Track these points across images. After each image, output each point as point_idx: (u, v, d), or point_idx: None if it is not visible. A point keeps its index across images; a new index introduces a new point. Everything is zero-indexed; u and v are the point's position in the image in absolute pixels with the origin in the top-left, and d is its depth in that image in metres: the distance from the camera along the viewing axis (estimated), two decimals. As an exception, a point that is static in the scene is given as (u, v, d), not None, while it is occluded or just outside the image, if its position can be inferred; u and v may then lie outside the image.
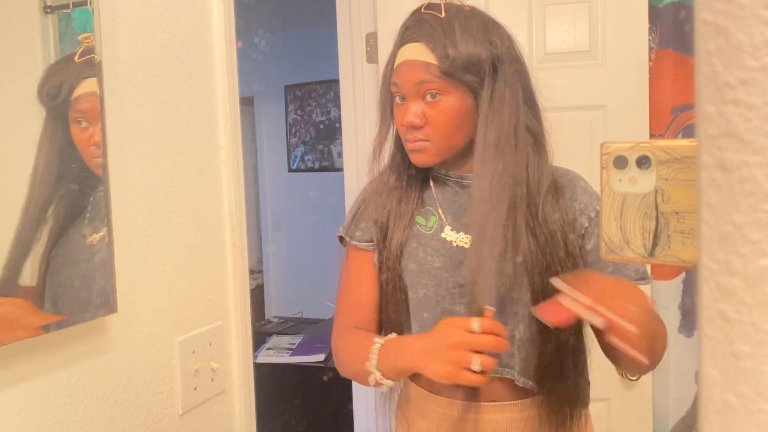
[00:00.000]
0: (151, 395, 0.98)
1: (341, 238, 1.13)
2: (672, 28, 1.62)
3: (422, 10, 0.99)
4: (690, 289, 1.65)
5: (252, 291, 2.34)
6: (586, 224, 1.00)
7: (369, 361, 0.93)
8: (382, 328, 1.08)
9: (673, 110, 1.63)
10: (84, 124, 0.83)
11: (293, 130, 4.41)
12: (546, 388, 0.99)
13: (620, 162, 0.46)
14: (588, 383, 1.05)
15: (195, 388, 1.06)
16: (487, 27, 0.98)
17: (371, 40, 1.85)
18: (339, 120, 3.39)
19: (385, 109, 1.04)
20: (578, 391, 1.02)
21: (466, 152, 1.01)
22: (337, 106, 3.96)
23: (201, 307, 1.09)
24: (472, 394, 1.01)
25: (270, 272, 4.58)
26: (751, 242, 0.26)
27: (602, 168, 0.47)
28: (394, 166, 1.07)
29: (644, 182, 0.45)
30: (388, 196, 1.06)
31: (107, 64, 0.88)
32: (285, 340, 2.80)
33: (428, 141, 0.98)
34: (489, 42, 0.96)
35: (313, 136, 4.36)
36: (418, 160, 1.00)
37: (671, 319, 1.66)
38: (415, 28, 0.98)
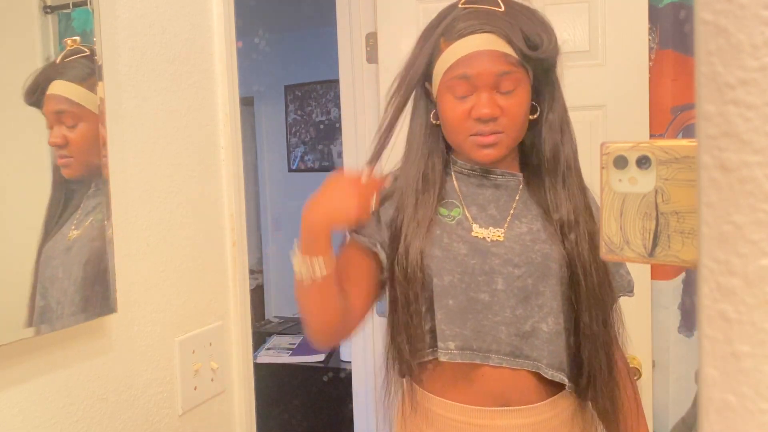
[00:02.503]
0: (151, 395, 0.98)
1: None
2: (672, 28, 1.62)
3: (465, 5, 0.97)
4: (690, 289, 1.65)
5: (252, 291, 2.33)
6: None
7: (294, 256, 0.95)
8: (400, 323, 1.05)
9: (673, 110, 1.63)
10: (50, 126, 0.81)
11: (293, 130, 4.41)
12: (574, 382, 0.99)
13: (620, 162, 0.46)
14: (617, 384, 1.03)
15: (195, 388, 1.06)
16: (545, 21, 0.98)
17: (371, 40, 1.85)
18: (339, 120, 3.39)
19: (420, 106, 1.04)
20: (611, 387, 1.01)
21: None
22: (337, 106, 3.95)
23: (201, 307, 1.09)
24: (487, 398, 0.99)
25: (270, 272, 4.57)
26: (751, 242, 0.26)
27: (602, 168, 0.47)
28: (416, 160, 1.04)
29: (644, 182, 0.45)
30: (406, 191, 1.04)
31: (107, 64, 0.88)
32: (285, 340, 2.80)
33: (503, 133, 0.96)
34: (552, 34, 0.96)
35: (313, 136, 4.36)
36: (490, 155, 0.98)
37: (671, 319, 1.66)
38: (474, 20, 0.95)
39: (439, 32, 0.98)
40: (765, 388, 0.26)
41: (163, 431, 1.00)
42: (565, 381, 0.98)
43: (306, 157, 4.39)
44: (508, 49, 0.94)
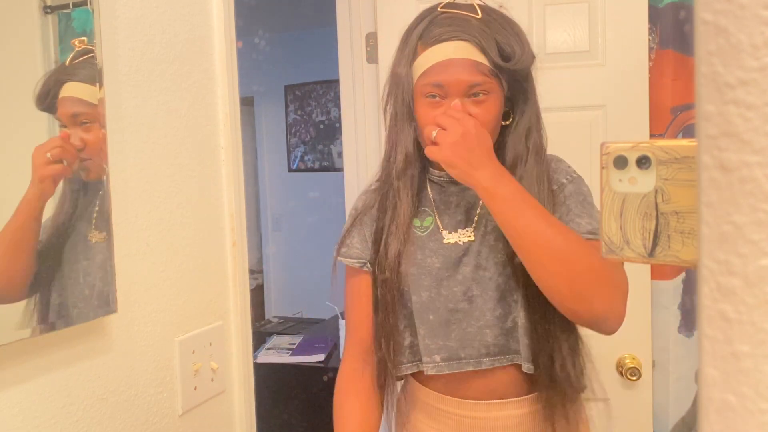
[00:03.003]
0: (151, 395, 0.98)
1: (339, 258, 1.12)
2: (672, 28, 1.62)
3: (443, 9, 0.98)
4: (690, 289, 1.65)
5: (252, 291, 2.33)
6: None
7: None
8: (382, 339, 1.05)
9: (673, 110, 1.63)
10: (88, 123, 0.83)
11: (293, 130, 4.41)
12: (548, 373, 0.99)
13: (620, 162, 0.46)
14: (582, 371, 1.04)
15: (195, 388, 1.06)
16: (520, 31, 0.99)
17: (371, 40, 1.85)
18: (339, 120, 3.39)
19: (406, 111, 1.01)
20: (577, 375, 1.02)
21: None
22: (337, 106, 3.96)
23: (201, 307, 1.09)
24: (483, 393, 1.02)
25: (270, 272, 4.57)
26: (751, 242, 0.26)
27: (602, 168, 0.47)
28: (395, 170, 1.03)
29: (644, 182, 0.45)
30: (383, 204, 1.05)
31: (107, 64, 0.88)
32: (285, 340, 2.80)
33: None
34: (526, 44, 0.97)
35: (313, 136, 4.36)
36: None
37: (671, 319, 1.66)
38: (450, 26, 0.95)
39: (416, 35, 0.99)
40: (765, 388, 0.26)
41: (163, 431, 1.00)
42: (531, 369, 0.99)
43: (306, 157, 4.39)
44: (481, 58, 0.94)
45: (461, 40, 0.94)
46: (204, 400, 1.09)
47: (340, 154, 4.19)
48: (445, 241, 1.02)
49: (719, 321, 0.27)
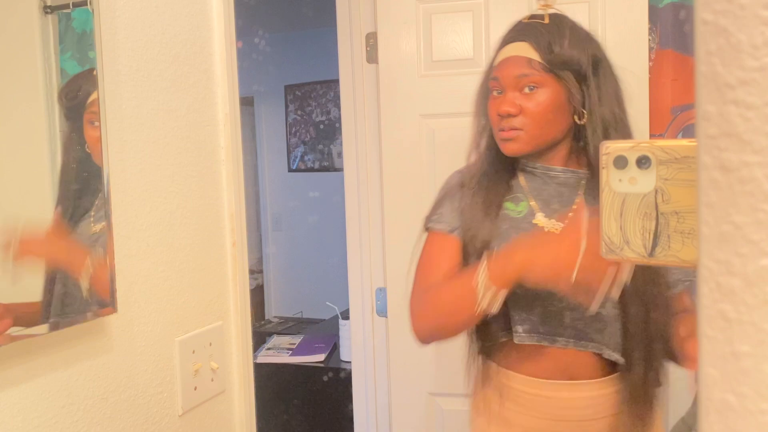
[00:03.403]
0: (151, 395, 0.98)
1: (427, 228, 1.20)
2: (672, 28, 1.62)
3: (524, 20, 1.11)
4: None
5: (252, 291, 2.34)
6: None
7: (478, 280, 0.97)
8: None
9: (673, 110, 1.63)
10: (96, 123, 0.85)
11: (293, 130, 4.41)
12: (630, 363, 1.06)
13: (620, 162, 0.46)
14: (662, 365, 1.11)
15: (195, 388, 1.06)
16: (589, 36, 1.08)
17: (371, 40, 1.85)
18: (339, 120, 3.39)
19: (481, 105, 1.14)
20: (658, 369, 1.09)
21: (553, 146, 1.10)
22: (337, 106, 3.96)
23: (201, 307, 1.09)
24: (554, 372, 1.09)
25: (270, 272, 4.57)
26: (751, 242, 0.26)
27: (602, 168, 0.47)
28: (485, 158, 1.15)
29: (644, 182, 0.45)
30: (476, 186, 1.13)
31: (107, 64, 0.88)
32: (285, 340, 2.80)
33: (521, 130, 1.06)
34: (590, 48, 1.06)
35: (313, 136, 4.36)
36: (510, 148, 1.09)
37: (671, 319, 1.65)
38: (518, 31, 1.09)
39: (500, 41, 1.13)
40: (765, 388, 0.26)
41: (163, 431, 1.00)
42: (621, 360, 1.06)
43: (306, 157, 4.39)
44: (534, 55, 1.05)
45: (520, 41, 1.07)
46: (204, 400, 1.09)
47: (340, 154, 4.19)
48: (534, 220, 1.09)
49: (719, 321, 0.27)
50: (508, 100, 1.06)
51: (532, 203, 1.11)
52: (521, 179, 1.14)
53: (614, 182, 0.47)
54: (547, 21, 1.07)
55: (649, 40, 1.59)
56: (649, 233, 0.45)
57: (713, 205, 0.27)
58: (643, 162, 0.45)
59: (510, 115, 1.06)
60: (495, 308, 0.98)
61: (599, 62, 1.07)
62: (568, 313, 1.07)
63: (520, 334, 1.08)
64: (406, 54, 1.75)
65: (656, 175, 0.45)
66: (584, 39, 1.07)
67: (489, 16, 1.70)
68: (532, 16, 1.10)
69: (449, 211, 1.14)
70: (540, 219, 1.09)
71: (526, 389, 1.11)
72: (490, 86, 1.11)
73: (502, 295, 0.97)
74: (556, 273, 0.90)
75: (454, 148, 1.75)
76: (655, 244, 0.45)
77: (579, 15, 1.60)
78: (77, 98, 0.83)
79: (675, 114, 1.63)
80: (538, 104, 1.05)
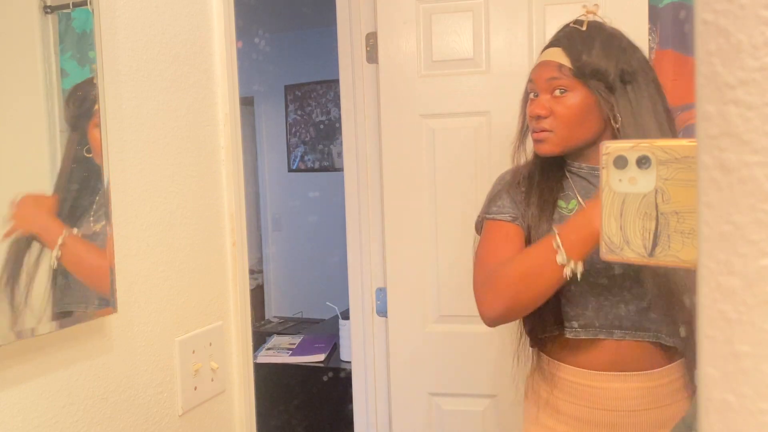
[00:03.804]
0: (151, 395, 0.98)
1: (480, 224, 1.23)
2: (672, 28, 1.62)
3: (570, 25, 1.16)
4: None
5: (252, 291, 2.33)
6: None
7: (558, 254, 0.98)
8: None
9: (672, 110, 1.63)
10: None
11: (293, 130, 4.41)
12: (686, 351, 1.11)
13: (620, 162, 0.46)
14: None
15: (195, 388, 1.06)
16: (624, 47, 1.11)
17: (371, 40, 1.85)
18: (339, 120, 3.39)
19: (524, 106, 1.19)
20: None
21: (594, 147, 1.13)
22: (337, 106, 3.96)
23: (201, 307, 1.09)
24: (606, 364, 1.12)
25: (270, 272, 4.57)
26: (751, 242, 0.26)
27: (602, 168, 0.47)
28: (535, 158, 1.20)
29: (644, 182, 0.45)
30: (529, 184, 1.18)
31: (107, 64, 0.88)
32: (285, 340, 2.80)
33: (551, 131, 1.11)
34: (622, 59, 1.09)
35: (313, 136, 4.36)
36: (541, 149, 1.13)
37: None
38: (557, 36, 1.15)
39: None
40: (765, 388, 0.26)
41: (163, 431, 1.00)
42: (680, 346, 1.10)
43: (306, 157, 4.39)
44: (564, 60, 1.10)
45: (555, 46, 1.13)
46: (204, 400, 1.09)
47: (340, 154, 4.19)
48: None
49: (719, 321, 0.27)
50: (539, 102, 1.12)
51: (582, 202, 1.15)
52: (569, 179, 1.18)
53: (614, 182, 0.46)
54: (584, 28, 1.12)
55: (649, 40, 1.59)
56: (649, 233, 0.45)
57: (713, 205, 0.27)
58: (643, 162, 0.45)
59: (540, 117, 1.11)
60: (577, 277, 1.00)
61: (633, 74, 1.09)
62: (623, 306, 1.10)
63: (576, 329, 1.12)
64: (406, 54, 1.75)
65: (656, 175, 0.45)
66: (617, 50, 1.10)
67: (489, 16, 1.70)
68: (575, 21, 1.15)
69: (509, 203, 1.18)
70: None
71: (578, 380, 1.14)
72: (528, 88, 1.17)
73: (580, 267, 0.99)
74: None
75: (454, 148, 1.75)
76: (655, 244, 0.45)
77: (579, 15, 1.60)
78: (84, 104, 0.83)
79: (675, 114, 1.63)
80: (566, 107, 1.10)
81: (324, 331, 2.95)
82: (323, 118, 4.31)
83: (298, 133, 4.40)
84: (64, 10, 0.81)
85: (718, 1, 0.26)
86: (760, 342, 0.26)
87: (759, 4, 0.25)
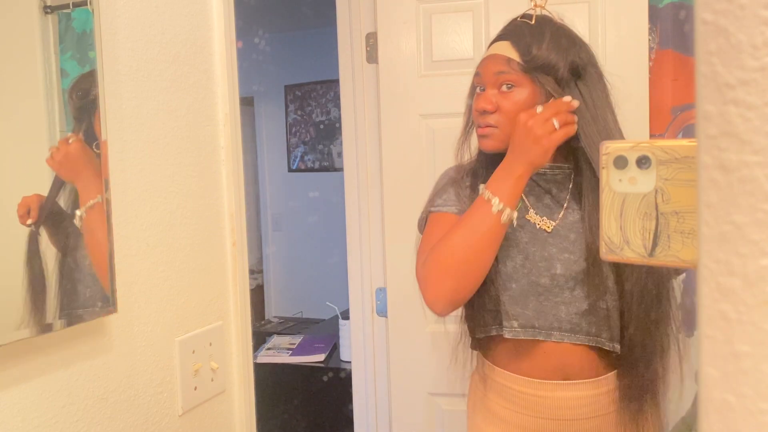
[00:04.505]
0: (151, 395, 0.98)
1: (424, 220, 1.21)
2: (672, 28, 1.62)
3: (518, 19, 1.12)
4: (690, 289, 1.65)
5: (252, 291, 2.34)
6: None
7: (492, 205, 1.01)
8: (466, 303, 1.15)
9: (673, 110, 1.63)
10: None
11: (293, 130, 4.41)
12: (626, 358, 1.08)
13: (620, 162, 0.46)
14: (666, 370, 1.12)
15: (195, 388, 1.06)
16: (573, 40, 1.08)
17: (371, 40, 1.85)
18: (339, 120, 3.39)
19: (470, 100, 1.17)
20: (655, 363, 1.09)
21: None
22: (337, 106, 3.96)
23: (201, 307, 1.09)
24: (550, 372, 1.10)
25: (270, 272, 4.57)
26: (751, 242, 0.26)
27: (602, 168, 0.47)
28: (479, 154, 1.18)
29: (644, 182, 0.45)
30: (472, 182, 1.16)
31: (107, 64, 0.89)
32: (285, 340, 2.80)
33: (496, 127, 1.08)
34: (572, 53, 1.06)
35: (313, 136, 4.36)
36: (485, 144, 1.11)
37: (671, 319, 1.65)
38: (506, 30, 1.11)
39: (493, 37, 1.14)
40: (765, 388, 0.26)
41: (163, 431, 1.00)
42: (618, 350, 1.07)
43: (306, 157, 4.39)
44: (513, 54, 1.06)
45: (503, 40, 1.09)
46: (204, 400, 1.09)
47: (340, 154, 4.19)
48: (527, 216, 1.11)
49: (719, 321, 0.27)
50: (486, 97, 1.08)
51: (525, 199, 1.13)
52: None
53: (614, 182, 0.46)
54: (533, 22, 1.08)
55: (649, 40, 1.59)
56: (649, 233, 0.45)
57: (713, 205, 0.27)
58: (643, 162, 0.45)
59: (486, 112, 1.08)
60: (514, 223, 1.03)
61: (583, 67, 1.06)
62: (564, 307, 1.08)
63: (515, 328, 1.09)
64: (406, 54, 1.75)
65: (656, 175, 0.45)
66: (567, 43, 1.07)
67: (489, 16, 1.70)
68: (523, 16, 1.11)
69: (454, 196, 1.16)
70: (533, 216, 1.11)
71: (522, 389, 1.12)
72: (474, 82, 1.13)
73: (515, 215, 1.01)
74: (547, 148, 1.00)
75: (454, 148, 1.75)
76: (655, 244, 0.45)
77: (579, 15, 1.60)
78: (87, 97, 0.83)
79: (675, 114, 1.63)
80: (513, 103, 1.06)
81: (324, 331, 2.95)
82: (323, 118, 4.31)
83: (298, 133, 4.40)
84: (64, 10, 0.81)
85: (718, 1, 0.26)
86: (760, 342, 0.26)
87: (759, 4, 0.25)
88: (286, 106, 4.41)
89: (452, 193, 1.17)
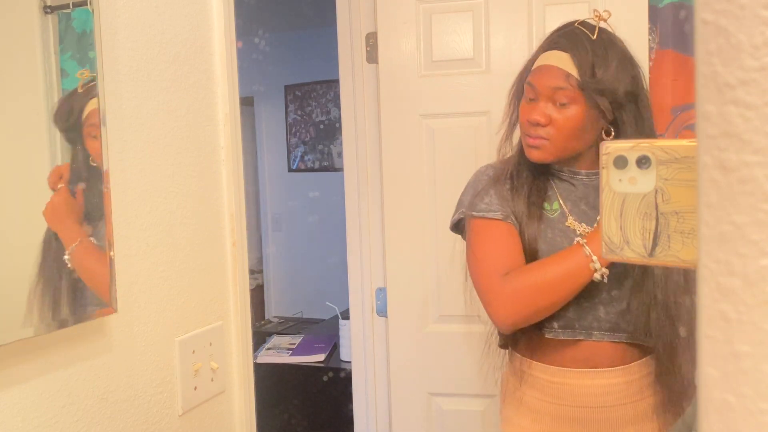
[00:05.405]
0: (151, 395, 0.98)
1: (462, 222, 1.21)
2: (672, 28, 1.62)
3: (575, 25, 1.11)
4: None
5: (252, 291, 2.33)
6: None
7: (592, 262, 1.03)
8: None
9: (673, 110, 1.63)
10: (96, 135, 0.85)
11: (293, 130, 4.41)
12: (658, 348, 1.11)
13: (620, 162, 0.46)
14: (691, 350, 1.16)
15: (195, 388, 1.06)
16: (632, 62, 1.09)
17: (371, 40, 1.85)
18: (339, 120, 3.39)
19: (514, 103, 1.17)
20: (686, 353, 1.11)
21: (579, 155, 1.14)
22: (337, 106, 3.95)
23: (201, 307, 1.09)
24: (579, 361, 1.13)
25: (270, 272, 4.57)
26: (751, 242, 0.26)
27: (602, 168, 0.47)
28: (519, 156, 1.17)
29: (644, 182, 0.45)
30: (515, 183, 1.16)
31: (107, 64, 0.88)
32: (285, 340, 2.80)
33: (547, 140, 1.09)
34: (631, 78, 1.07)
35: (313, 136, 4.35)
36: (534, 155, 1.12)
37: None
38: (564, 38, 1.09)
39: (544, 41, 1.13)
40: (765, 388, 0.26)
41: (163, 431, 1.00)
42: (653, 344, 1.10)
43: (306, 157, 4.39)
44: (573, 70, 1.05)
45: (563, 50, 1.07)
46: (204, 400, 1.09)
47: (340, 154, 4.19)
48: (567, 223, 1.13)
49: (719, 321, 0.27)
50: (539, 109, 1.08)
51: (563, 204, 1.15)
52: (551, 181, 1.18)
53: (614, 182, 0.46)
54: (595, 37, 1.07)
55: (649, 40, 1.59)
56: (649, 233, 0.45)
57: (713, 205, 0.27)
58: (643, 162, 0.45)
59: (539, 125, 1.08)
60: (605, 280, 1.05)
61: (638, 92, 1.08)
62: (602, 307, 1.11)
63: (555, 329, 1.11)
64: (406, 54, 1.75)
65: (656, 175, 0.45)
66: (628, 67, 1.08)
67: (489, 16, 1.70)
68: (583, 23, 1.10)
69: (497, 200, 1.16)
70: (572, 222, 1.13)
71: (551, 378, 1.15)
72: (525, 90, 1.12)
73: (606, 272, 1.03)
74: None
75: (454, 148, 1.75)
76: (655, 244, 0.45)
77: (579, 15, 1.60)
78: (73, 116, 0.83)
79: (675, 114, 1.63)
80: (567, 119, 1.07)
81: (324, 331, 2.95)
82: (323, 118, 4.31)
83: (298, 133, 4.40)
84: (64, 10, 0.81)
85: (718, 1, 0.26)
86: (760, 342, 0.26)
87: (759, 4, 0.25)
88: (286, 106, 4.41)
89: (494, 196, 1.17)
